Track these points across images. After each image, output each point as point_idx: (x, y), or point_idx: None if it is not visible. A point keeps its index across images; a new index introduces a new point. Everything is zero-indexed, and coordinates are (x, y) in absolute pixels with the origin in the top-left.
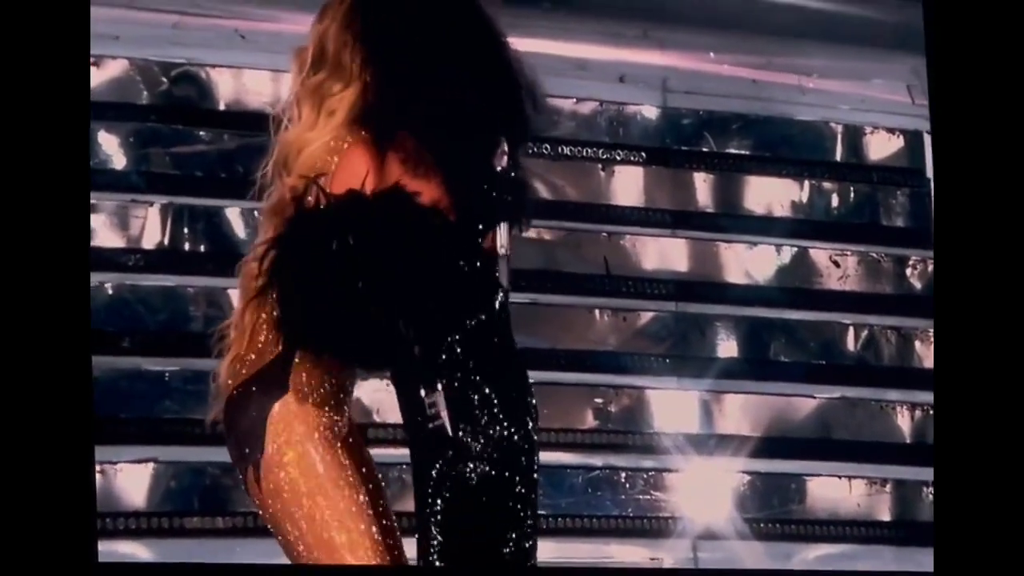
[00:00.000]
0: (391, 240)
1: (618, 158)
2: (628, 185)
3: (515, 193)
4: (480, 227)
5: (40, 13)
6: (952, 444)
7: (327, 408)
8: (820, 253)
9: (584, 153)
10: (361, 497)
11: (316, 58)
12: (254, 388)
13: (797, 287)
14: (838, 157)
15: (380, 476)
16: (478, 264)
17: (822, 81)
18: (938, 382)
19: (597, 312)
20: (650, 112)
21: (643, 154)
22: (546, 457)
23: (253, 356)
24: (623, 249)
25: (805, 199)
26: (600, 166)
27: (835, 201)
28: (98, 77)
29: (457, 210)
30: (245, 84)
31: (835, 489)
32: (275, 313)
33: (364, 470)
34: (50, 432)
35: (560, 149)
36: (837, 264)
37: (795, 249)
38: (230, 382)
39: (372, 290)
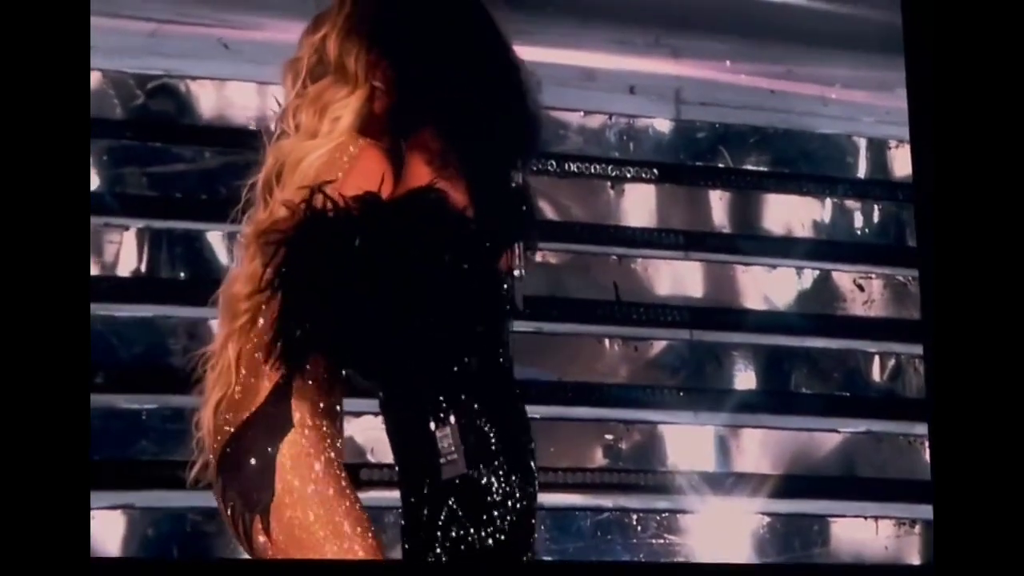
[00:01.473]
0: (418, 241)
1: (628, 175)
2: (639, 204)
3: (530, 210)
4: (500, 240)
5: (39, 27)
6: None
7: (329, 435)
8: (843, 276)
9: (592, 170)
10: (365, 525)
11: (313, 67)
12: (256, 428)
13: (819, 313)
14: (862, 173)
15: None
16: (497, 279)
17: (845, 92)
18: (937, 407)
19: (606, 341)
20: (662, 125)
21: (655, 170)
22: (553, 498)
23: (241, 392)
24: (634, 273)
25: (827, 218)
26: (609, 183)
27: (859, 220)
28: None
29: (481, 218)
30: (228, 97)
31: (860, 530)
32: (266, 337)
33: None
34: (42, 475)
35: (566, 165)
36: (862, 288)
37: (817, 272)
38: (226, 428)
39: (392, 295)
